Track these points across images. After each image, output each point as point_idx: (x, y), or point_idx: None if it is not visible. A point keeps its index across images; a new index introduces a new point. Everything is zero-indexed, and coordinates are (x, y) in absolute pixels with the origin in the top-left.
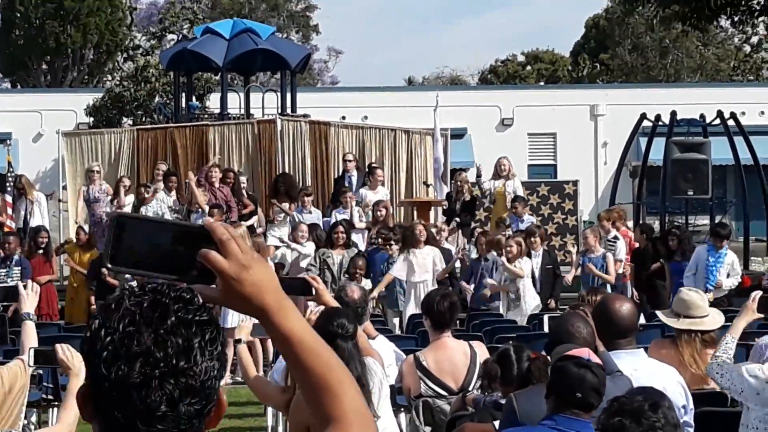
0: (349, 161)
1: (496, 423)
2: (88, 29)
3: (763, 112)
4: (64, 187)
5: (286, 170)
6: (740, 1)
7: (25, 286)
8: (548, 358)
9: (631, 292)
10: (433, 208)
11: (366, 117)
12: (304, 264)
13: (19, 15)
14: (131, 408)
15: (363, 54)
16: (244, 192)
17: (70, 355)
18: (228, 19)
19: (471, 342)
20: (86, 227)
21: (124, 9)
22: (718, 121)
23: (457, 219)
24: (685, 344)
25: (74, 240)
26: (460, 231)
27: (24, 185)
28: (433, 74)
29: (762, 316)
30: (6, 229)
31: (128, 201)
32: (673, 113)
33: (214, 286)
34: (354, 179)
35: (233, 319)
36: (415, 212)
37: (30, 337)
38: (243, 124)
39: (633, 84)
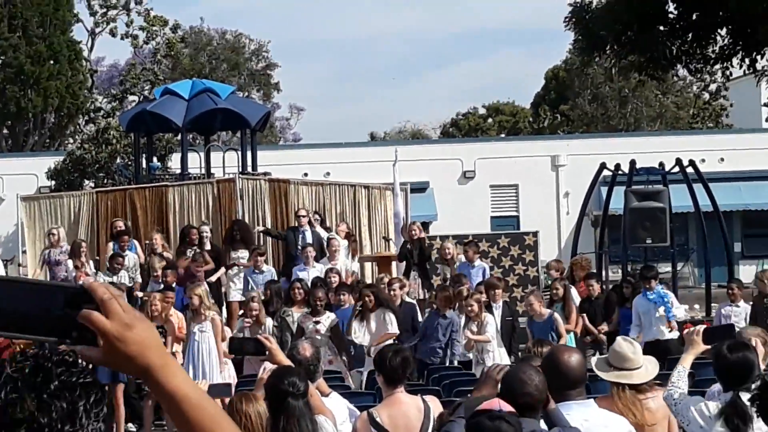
0: (303, 216)
1: None
2: (49, 93)
3: (722, 159)
4: (24, 252)
5: None
6: (696, 50)
7: None
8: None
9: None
10: (393, 262)
11: (329, 173)
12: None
13: None
14: None
15: (325, 111)
16: (207, 243)
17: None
18: (187, 80)
19: (424, 396)
20: None
21: (85, 72)
22: (677, 168)
23: (416, 270)
24: (615, 395)
25: None
26: (419, 283)
27: None
28: (395, 129)
29: (709, 347)
30: None
31: (91, 266)
32: (632, 162)
33: (96, 347)
34: (308, 235)
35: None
36: (376, 268)
37: None
38: (203, 183)
39: (593, 134)
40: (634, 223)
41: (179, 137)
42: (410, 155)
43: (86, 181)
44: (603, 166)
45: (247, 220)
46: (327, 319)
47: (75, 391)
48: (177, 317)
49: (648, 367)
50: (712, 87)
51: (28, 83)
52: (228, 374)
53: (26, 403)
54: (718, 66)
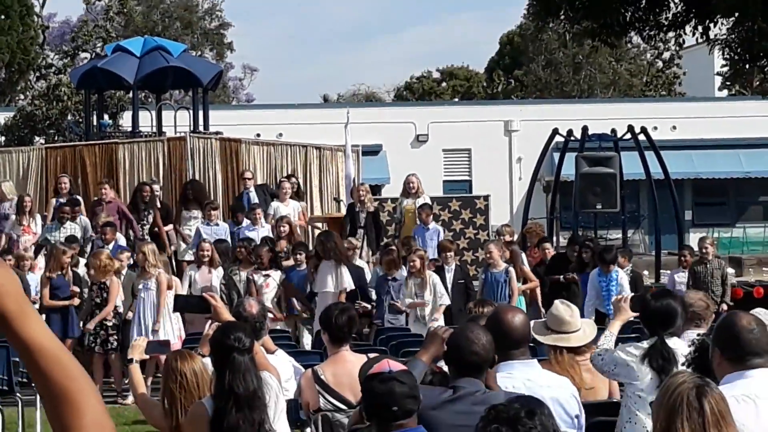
0: (248, 179)
1: None
2: (0, 48)
3: (674, 127)
4: None
5: None
6: (649, 17)
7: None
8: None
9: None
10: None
11: (281, 134)
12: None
13: None
14: None
15: (279, 72)
16: (157, 202)
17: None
18: (139, 37)
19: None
20: None
21: (36, 28)
22: (629, 135)
23: (363, 233)
24: (553, 359)
25: None
26: (366, 246)
27: None
28: (349, 91)
29: (636, 314)
30: None
31: (38, 220)
32: (585, 128)
33: None
34: (254, 195)
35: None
36: (326, 228)
37: None
38: (153, 141)
39: (546, 100)
40: (585, 189)
41: (130, 95)
42: (363, 118)
43: (37, 138)
44: (555, 131)
45: (198, 179)
46: (276, 273)
47: None
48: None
49: (586, 330)
50: (666, 55)
51: None
52: (173, 332)
53: None
54: (671, 33)
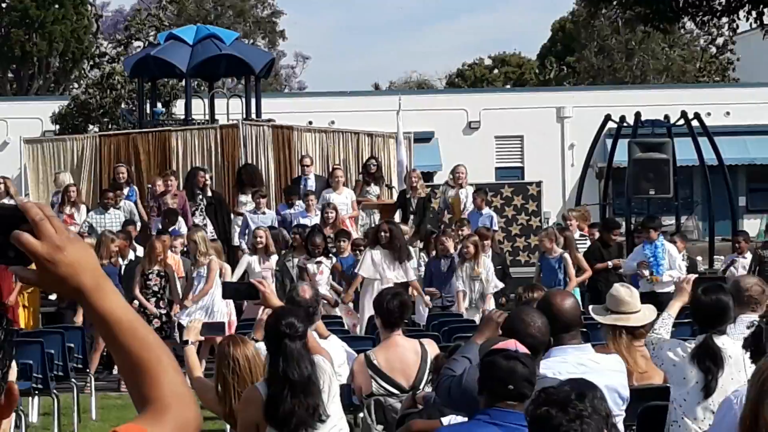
0: (307, 165)
1: (445, 419)
2: (54, 37)
3: (728, 113)
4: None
5: None
6: (702, 3)
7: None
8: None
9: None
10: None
11: (333, 122)
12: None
13: None
14: None
15: (332, 61)
16: (208, 190)
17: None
18: (192, 25)
19: (422, 340)
20: None
21: (90, 17)
22: (682, 121)
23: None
24: (611, 341)
25: None
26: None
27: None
28: (401, 79)
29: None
30: None
31: (82, 210)
32: (638, 114)
33: (32, 266)
34: (312, 182)
35: (184, 320)
36: (377, 215)
37: None
38: (206, 129)
39: (599, 86)
40: (637, 174)
41: (183, 83)
42: (415, 105)
43: (90, 126)
44: (608, 117)
45: (251, 163)
46: (329, 261)
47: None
48: (174, 260)
49: (645, 312)
50: (719, 41)
51: (33, 27)
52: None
53: None
54: (725, 19)
